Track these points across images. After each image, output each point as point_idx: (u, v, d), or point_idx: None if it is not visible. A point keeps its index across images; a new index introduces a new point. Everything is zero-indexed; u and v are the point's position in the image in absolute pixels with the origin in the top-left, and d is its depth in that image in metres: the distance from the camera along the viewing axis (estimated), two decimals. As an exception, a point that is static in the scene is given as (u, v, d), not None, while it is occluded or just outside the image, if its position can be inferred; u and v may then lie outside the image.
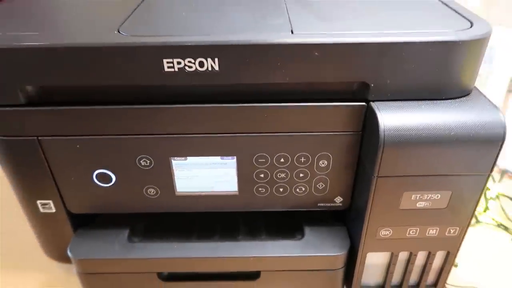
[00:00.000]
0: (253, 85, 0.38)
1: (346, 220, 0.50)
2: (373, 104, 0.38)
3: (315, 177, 0.44)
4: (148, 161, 0.43)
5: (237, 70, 0.36)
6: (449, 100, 0.38)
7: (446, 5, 0.43)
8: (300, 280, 0.49)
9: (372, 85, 0.37)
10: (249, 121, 0.40)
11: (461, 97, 0.39)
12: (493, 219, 0.63)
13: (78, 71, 0.36)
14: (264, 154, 0.42)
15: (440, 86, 0.38)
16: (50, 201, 0.46)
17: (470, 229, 0.43)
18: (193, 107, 0.39)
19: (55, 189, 0.45)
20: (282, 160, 0.43)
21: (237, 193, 0.46)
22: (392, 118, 0.37)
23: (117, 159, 0.43)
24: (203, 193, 0.46)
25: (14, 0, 0.47)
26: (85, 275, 0.48)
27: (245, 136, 0.41)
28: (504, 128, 0.36)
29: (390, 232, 0.43)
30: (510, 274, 0.55)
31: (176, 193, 0.45)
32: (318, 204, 0.47)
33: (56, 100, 0.39)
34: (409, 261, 0.47)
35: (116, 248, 0.47)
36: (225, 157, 0.43)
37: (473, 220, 0.63)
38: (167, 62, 0.36)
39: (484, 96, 0.39)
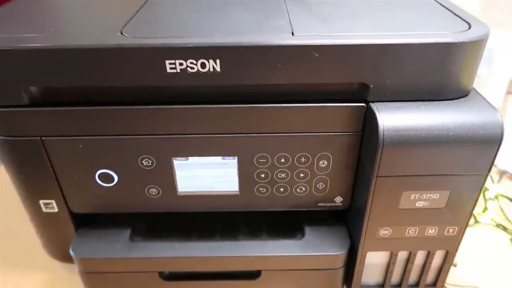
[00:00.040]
0: (254, 86, 0.38)
1: (346, 220, 0.51)
2: (372, 105, 0.39)
3: (315, 177, 0.45)
4: (150, 161, 0.43)
5: (239, 71, 0.37)
6: (448, 101, 0.39)
7: (445, 7, 0.44)
8: (300, 280, 0.49)
9: (372, 86, 0.38)
10: (250, 121, 0.40)
11: (459, 98, 0.39)
12: (492, 220, 0.64)
13: (81, 72, 0.37)
14: (265, 154, 0.43)
15: (438, 87, 0.38)
16: (53, 201, 0.47)
17: (469, 229, 0.44)
18: (194, 108, 0.40)
19: (58, 189, 0.45)
20: (282, 160, 0.43)
21: (238, 193, 0.46)
22: (392, 118, 0.37)
23: (120, 159, 0.43)
24: (204, 193, 0.46)
25: (18, 1, 0.47)
26: (87, 274, 0.48)
27: (246, 137, 0.42)
28: (502, 128, 0.37)
29: (389, 232, 0.44)
30: (509, 273, 0.56)
31: (177, 193, 0.46)
32: (318, 204, 0.47)
33: (59, 100, 0.40)
34: (408, 261, 0.47)
35: (117, 248, 0.48)
36: (226, 157, 0.43)
37: (472, 221, 0.63)
38: (170, 63, 0.36)
39: (482, 97, 0.40)
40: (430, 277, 0.50)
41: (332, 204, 0.47)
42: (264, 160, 0.43)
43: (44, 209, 0.47)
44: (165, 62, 0.36)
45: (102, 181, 0.45)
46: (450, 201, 0.41)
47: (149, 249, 0.48)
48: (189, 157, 0.43)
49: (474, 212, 0.63)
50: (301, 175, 0.44)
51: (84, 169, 0.44)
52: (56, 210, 0.47)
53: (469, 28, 0.38)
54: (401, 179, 0.39)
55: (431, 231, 0.44)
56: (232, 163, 0.44)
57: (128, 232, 0.50)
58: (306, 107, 0.40)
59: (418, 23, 0.40)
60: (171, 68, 0.36)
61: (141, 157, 0.43)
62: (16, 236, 0.60)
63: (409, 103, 0.38)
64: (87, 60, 0.36)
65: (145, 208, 0.47)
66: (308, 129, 0.41)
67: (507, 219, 0.64)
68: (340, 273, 0.49)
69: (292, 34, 0.37)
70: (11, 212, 0.61)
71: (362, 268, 0.48)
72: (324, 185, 0.45)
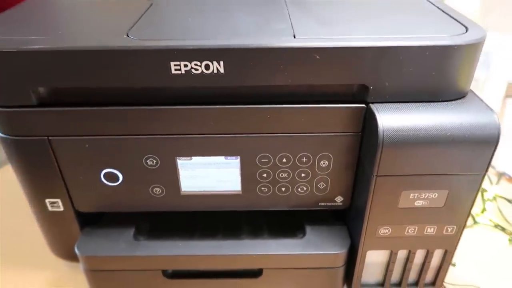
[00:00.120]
0: (257, 87, 0.39)
1: (346, 219, 0.51)
2: (372, 106, 0.39)
3: (316, 177, 0.45)
4: (155, 161, 0.44)
5: (242, 73, 0.38)
6: (446, 102, 0.40)
7: (443, 10, 0.45)
8: (301, 278, 0.50)
9: (371, 87, 0.39)
10: (252, 122, 0.41)
11: (457, 99, 0.40)
12: (490, 220, 0.64)
13: (88, 73, 0.37)
14: (267, 154, 0.44)
15: (436, 88, 0.39)
16: (59, 200, 0.47)
17: (468, 230, 0.44)
18: (198, 109, 0.40)
19: (64, 188, 0.46)
20: (284, 160, 0.44)
21: (240, 192, 0.47)
22: (391, 119, 0.38)
23: (125, 159, 0.44)
24: (207, 193, 0.47)
25: (26, 3, 0.48)
26: (92, 272, 0.49)
27: (249, 137, 0.42)
28: (498, 129, 0.37)
29: (389, 231, 0.45)
30: (507, 273, 0.56)
31: (181, 192, 0.46)
32: (319, 204, 0.48)
33: (67, 101, 0.40)
34: (408, 259, 0.48)
35: (122, 246, 0.48)
36: (229, 157, 0.44)
37: (471, 221, 0.64)
38: (174, 65, 0.37)
39: (479, 99, 0.41)
40: (429, 276, 0.50)
41: (332, 203, 0.48)
42: (266, 160, 0.44)
43: (49, 208, 0.48)
44: (170, 63, 0.37)
45: (107, 181, 0.46)
46: (448, 200, 0.42)
47: (152, 247, 0.48)
48: (192, 157, 0.44)
49: (473, 213, 0.64)
50: (302, 175, 0.45)
51: (90, 169, 0.45)
52: (61, 209, 0.48)
53: (466, 31, 0.39)
54: (400, 178, 0.40)
55: (430, 230, 0.44)
56: (234, 163, 0.44)
57: (132, 231, 0.50)
58: (307, 108, 0.40)
59: (417, 26, 0.41)
60: (176, 70, 0.37)
61: (145, 157, 0.44)
62: (21, 235, 0.60)
63: (408, 104, 0.39)
64: (94, 62, 0.37)
65: (149, 207, 0.48)
66: (309, 129, 0.42)
67: (505, 220, 0.65)
68: (340, 272, 0.50)
69: (294, 36, 0.38)
70: (16, 211, 0.62)
71: (362, 267, 0.48)
72: (324, 185, 0.46)
